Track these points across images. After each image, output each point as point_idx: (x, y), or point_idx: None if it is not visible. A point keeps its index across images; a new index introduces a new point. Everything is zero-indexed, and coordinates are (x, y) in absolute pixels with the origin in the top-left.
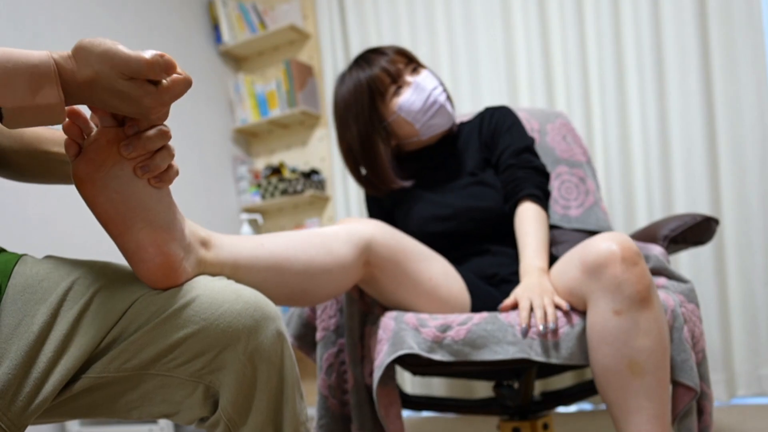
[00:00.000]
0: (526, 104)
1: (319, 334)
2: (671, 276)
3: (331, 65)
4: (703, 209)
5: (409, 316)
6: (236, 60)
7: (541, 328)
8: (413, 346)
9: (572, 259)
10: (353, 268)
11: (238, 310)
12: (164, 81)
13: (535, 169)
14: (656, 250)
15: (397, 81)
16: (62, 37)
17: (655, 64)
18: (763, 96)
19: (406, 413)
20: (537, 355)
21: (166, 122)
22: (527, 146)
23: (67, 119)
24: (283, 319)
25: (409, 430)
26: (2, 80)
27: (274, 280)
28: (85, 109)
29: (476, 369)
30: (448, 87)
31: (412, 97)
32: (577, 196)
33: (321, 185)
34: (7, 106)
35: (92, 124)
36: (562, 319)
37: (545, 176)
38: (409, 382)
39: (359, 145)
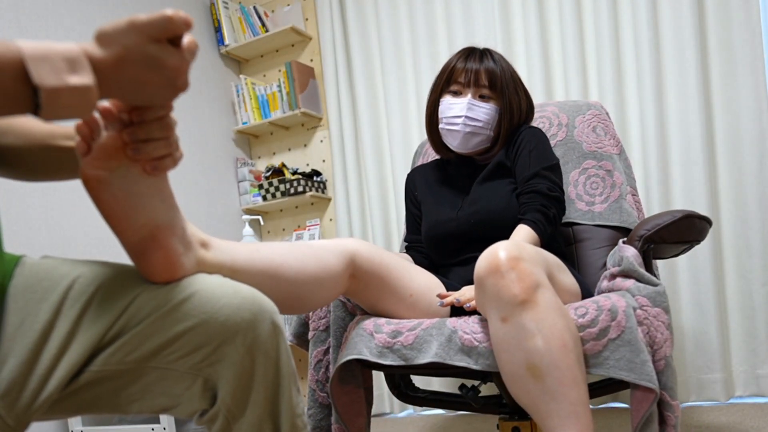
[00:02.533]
0: None
1: (310, 333)
2: (640, 279)
3: (332, 67)
4: (702, 210)
5: (368, 322)
6: (238, 62)
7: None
8: (363, 351)
9: None
10: (341, 279)
11: (236, 305)
12: (184, 40)
13: (537, 192)
14: (629, 251)
15: (464, 86)
16: (64, 39)
17: (653, 66)
18: (761, 97)
19: (406, 412)
20: (457, 361)
21: (171, 124)
22: (536, 172)
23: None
24: (280, 316)
25: (409, 428)
26: (42, 58)
27: (269, 284)
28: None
29: (435, 372)
30: None
31: (452, 105)
32: (602, 190)
33: (322, 186)
34: (46, 85)
35: (102, 127)
36: (486, 332)
37: (549, 198)
38: None
39: (429, 101)
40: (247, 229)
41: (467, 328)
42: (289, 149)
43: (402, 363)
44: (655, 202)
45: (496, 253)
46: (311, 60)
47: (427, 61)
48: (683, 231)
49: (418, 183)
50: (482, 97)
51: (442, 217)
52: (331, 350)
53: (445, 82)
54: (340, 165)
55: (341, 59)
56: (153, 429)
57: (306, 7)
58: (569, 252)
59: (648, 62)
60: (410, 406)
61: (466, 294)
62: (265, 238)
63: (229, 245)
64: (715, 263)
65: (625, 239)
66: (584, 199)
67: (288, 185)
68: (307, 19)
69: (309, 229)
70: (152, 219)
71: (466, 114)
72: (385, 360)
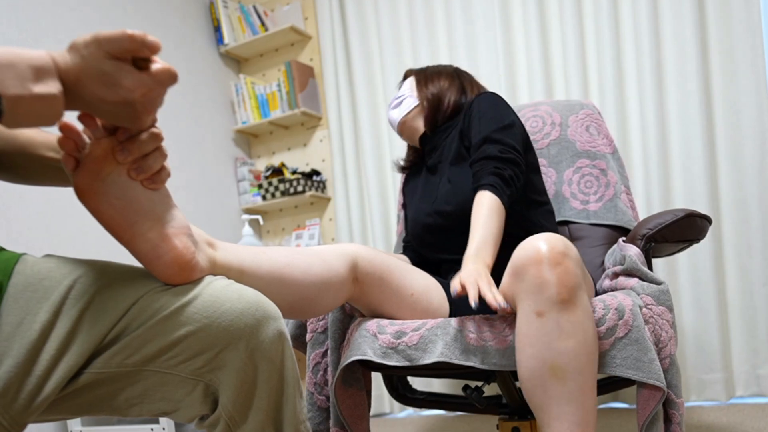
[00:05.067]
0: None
1: (308, 336)
2: (644, 277)
3: (331, 66)
4: (702, 210)
5: (371, 323)
6: (237, 61)
7: (473, 305)
8: (367, 351)
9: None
10: (346, 282)
11: (239, 309)
12: (154, 66)
13: (488, 157)
14: (632, 250)
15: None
16: (63, 39)
17: (654, 66)
18: (762, 97)
19: (405, 413)
20: (463, 360)
21: (161, 122)
22: (486, 136)
23: (61, 135)
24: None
25: (409, 428)
26: (7, 65)
27: (277, 286)
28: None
29: (439, 372)
30: None
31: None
32: (597, 189)
33: (322, 186)
34: (8, 93)
35: (85, 138)
36: (493, 330)
37: (502, 160)
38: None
39: None
40: (247, 229)
41: (473, 327)
42: (289, 149)
43: (407, 364)
44: (655, 202)
45: (549, 242)
46: (311, 59)
47: (427, 61)
48: (685, 230)
49: (405, 181)
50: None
51: (418, 213)
52: (329, 352)
53: None
54: (340, 164)
55: (341, 58)
56: (152, 429)
57: (305, 6)
58: None
59: (648, 61)
60: (410, 407)
61: (483, 280)
62: (264, 237)
63: (233, 247)
64: (715, 263)
65: (625, 238)
66: (579, 198)
67: (287, 185)
68: (306, 19)
69: (309, 229)
70: (157, 221)
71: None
72: (389, 361)
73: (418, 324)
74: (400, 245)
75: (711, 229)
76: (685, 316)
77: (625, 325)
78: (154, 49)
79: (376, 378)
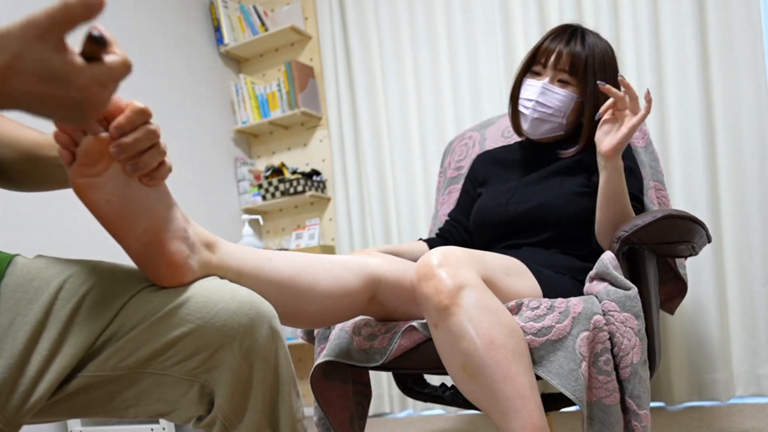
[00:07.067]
0: None
1: (316, 330)
2: (614, 282)
3: (331, 66)
4: (702, 211)
5: (349, 324)
6: (237, 61)
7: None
8: (340, 353)
9: None
10: (358, 299)
11: (233, 309)
12: (108, 58)
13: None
14: (606, 255)
15: (544, 68)
16: None
17: (653, 65)
18: (762, 97)
19: (405, 412)
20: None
21: (161, 122)
22: (633, 194)
23: (56, 129)
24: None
25: (409, 427)
26: None
27: (275, 296)
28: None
29: (416, 369)
30: (447, 87)
31: (528, 87)
32: None
33: (322, 186)
34: None
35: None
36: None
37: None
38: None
39: (515, 77)
40: (247, 229)
41: None
42: (289, 149)
43: (375, 364)
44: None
45: (417, 265)
46: (311, 59)
47: (427, 61)
48: (664, 232)
49: (484, 164)
50: (561, 82)
51: (491, 203)
52: None
53: (529, 61)
54: (340, 164)
55: (341, 58)
56: (152, 429)
57: (306, 6)
58: None
59: (648, 61)
60: (410, 407)
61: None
62: (264, 237)
63: (239, 250)
64: (715, 263)
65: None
66: None
67: (287, 185)
68: (306, 18)
69: (308, 229)
70: (153, 222)
71: (537, 99)
72: (361, 362)
73: (390, 326)
74: (441, 221)
75: (711, 229)
76: (686, 317)
77: (561, 330)
78: (97, 7)
79: (376, 377)
